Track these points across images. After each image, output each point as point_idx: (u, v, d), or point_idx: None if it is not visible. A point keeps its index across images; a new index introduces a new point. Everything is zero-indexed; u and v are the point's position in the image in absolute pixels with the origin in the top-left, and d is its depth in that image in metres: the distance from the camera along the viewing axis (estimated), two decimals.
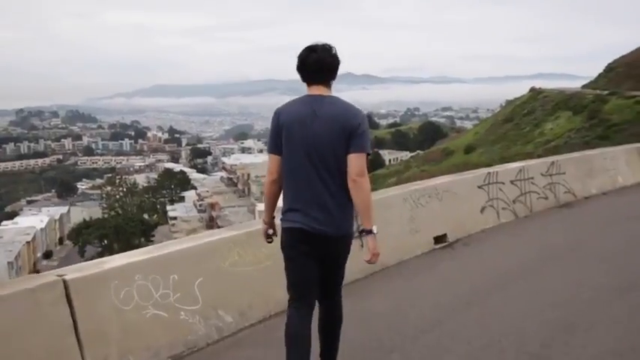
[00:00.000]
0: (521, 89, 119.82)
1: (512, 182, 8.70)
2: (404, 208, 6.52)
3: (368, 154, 3.70)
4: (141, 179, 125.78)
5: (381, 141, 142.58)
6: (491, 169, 8.68)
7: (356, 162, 3.61)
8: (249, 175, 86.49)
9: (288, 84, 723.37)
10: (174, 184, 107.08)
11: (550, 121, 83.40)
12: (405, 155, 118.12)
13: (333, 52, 3.81)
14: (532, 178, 9.04)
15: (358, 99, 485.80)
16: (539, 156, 69.80)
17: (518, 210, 8.76)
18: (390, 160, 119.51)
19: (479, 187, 8.04)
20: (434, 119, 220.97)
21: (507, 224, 8.53)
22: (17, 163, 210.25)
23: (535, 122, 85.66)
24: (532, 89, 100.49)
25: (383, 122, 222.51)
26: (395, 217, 6.33)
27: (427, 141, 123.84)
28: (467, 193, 7.85)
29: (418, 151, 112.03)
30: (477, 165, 73.08)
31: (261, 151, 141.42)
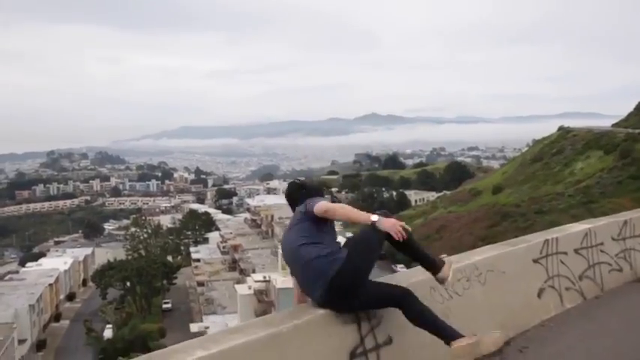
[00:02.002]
0: (547, 128, 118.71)
1: (576, 251, 6.57)
2: (433, 301, 4.38)
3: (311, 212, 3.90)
4: (166, 220, 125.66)
5: (406, 181, 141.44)
6: (548, 235, 5.93)
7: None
8: (272, 216, 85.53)
9: (312, 124, 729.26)
10: (199, 226, 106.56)
11: (580, 160, 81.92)
12: (432, 196, 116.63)
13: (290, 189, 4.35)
14: (601, 244, 6.87)
15: (383, 139, 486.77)
16: (570, 196, 67.48)
17: (585, 289, 6.67)
18: (416, 201, 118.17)
19: (534, 261, 6.02)
20: (460, 159, 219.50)
21: (574, 311, 6.31)
22: (46, 204, 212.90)
23: (565, 161, 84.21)
24: (561, 128, 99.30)
25: (409, 162, 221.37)
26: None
27: (454, 181, 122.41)
28: (519, 270, 5.81)
29: (445, 192, 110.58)
30: (505, 205, 70.82)
31: None
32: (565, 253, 6.25)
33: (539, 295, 5.84)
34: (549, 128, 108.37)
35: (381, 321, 4.00)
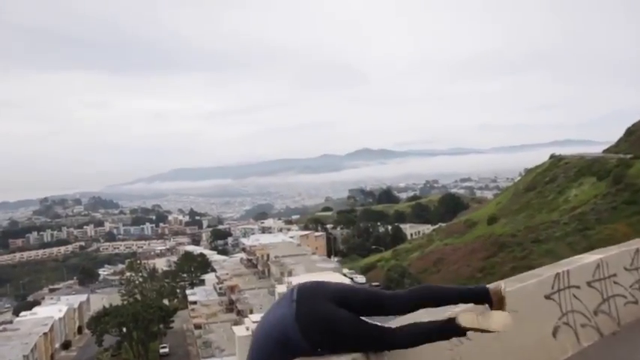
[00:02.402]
0: (539, 157, 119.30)
1: (589, 284, 6.01)
2: (439, 349, 3.83)
3: None
4: (161, 263, 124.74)
5: (401, 215, 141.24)
6: (559, 269, 5.15)
7: None
8: (268, 255, 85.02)
9: (304, 162, 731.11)
10: (195, 267, 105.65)
11: (574, 187, 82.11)
12: (427, 228, 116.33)
13: None
14: (614, 275, 5.79)
15: (376, 174, 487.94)
16: (565, 224, 67.28)
17: (602, 324, 6.07)
18: (411, 235, 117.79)
19: (547, 297, 5.46)
20: (454, 190, 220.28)
21: (592, 349, 5.70)
22: (40, 252, 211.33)
23: (558, 189, 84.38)
24: (552, 156, 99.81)
25: (402, 196, 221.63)
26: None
27: (448, 213, 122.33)
28: (531, 308, 5.24)
29: (440, 224, 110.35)
30: (501, 235, 70.68)
31: (281, 230, 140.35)
32: (578, 287, 5.79)
33: (554, 334, 5.41)
34: (541, 157, 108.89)
35: None
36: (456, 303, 3.65)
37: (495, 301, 3.53)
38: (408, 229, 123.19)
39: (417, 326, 3.47)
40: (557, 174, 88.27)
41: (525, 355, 4.88)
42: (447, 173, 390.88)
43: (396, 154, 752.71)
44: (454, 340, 3.90)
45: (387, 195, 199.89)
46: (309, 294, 3.20)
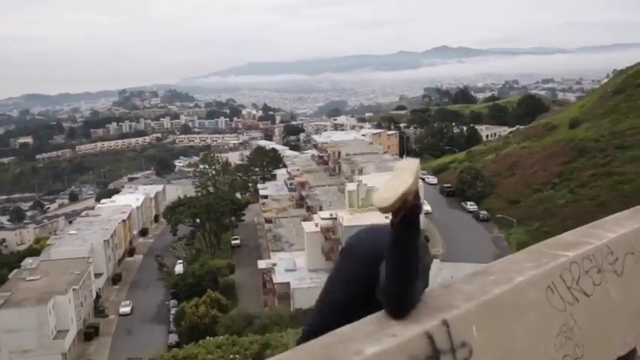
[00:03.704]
0: (632, 58, 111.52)
1: None
2: (548, 311, 2.64)
3: None
4: (234, 157, 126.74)
5: (477, 116, 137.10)
6: None
7: None
8: (339, 153, 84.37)
9: (380, 59, 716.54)
10: (266, 162, 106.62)
11: None
12: (504, 130, 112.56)
13: None
14: None
15: (453, 73, 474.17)
16: None
17: None
18: (487, 136, 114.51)
19: None
20: (534, 92, 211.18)
21: None
22: (120, 142, 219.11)
23: None
24: None
25: (480, 96, 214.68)
26: (530, 332, 2.55)
27: (527, 115, 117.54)
28: None
29: (518, 126, 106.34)
30: (582, 140, 67.35)
31: (353, 127, 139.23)
32: None
33: None
34: (634, 58, 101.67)
35: None
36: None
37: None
38: (484, 130, 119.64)
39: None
40: None
41: None
42: (528, 73, 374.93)
43: (476, 53, 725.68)
44: (567, 296, 2.70)
45: (463, 95, 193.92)
46: None
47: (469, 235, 59.71)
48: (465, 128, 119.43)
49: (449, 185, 75.87)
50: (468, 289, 2.41)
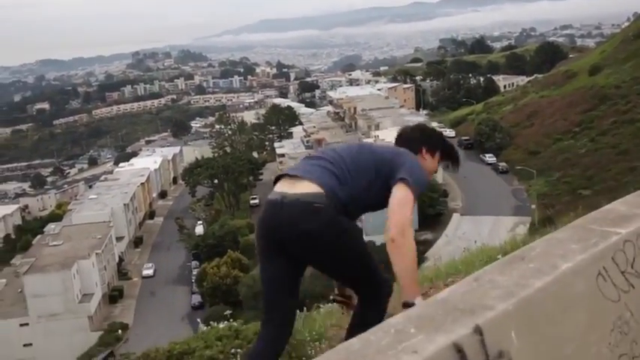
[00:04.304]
0: None
1: None
2: (600, 304, 2.15)
3: None
4: (250, 116, 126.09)
5: (494, 66, 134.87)
6: None
7: None
8: (355, 108, 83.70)
9: (393, 10, 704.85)
10: (282, 120, 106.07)
11: None
12: (522, 80, 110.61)
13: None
14: None
15: (469, 23, 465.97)
16: None
17: None
18: (505, 86, 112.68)
19: None
20: (552, 39, 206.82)
21: None
22: (135, 105, 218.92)
23: None
24: None
25: (496, 45, 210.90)
26: (580, 331, 2.07)
27: (546, 63, 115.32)
28: None
29: (536, 75, 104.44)
30: (604, 87, 65.87)
31: (368, 82, 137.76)
32: None
33: None
34: None
35: None
36: None
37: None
38: (502, 80, 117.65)
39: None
40: None
41: None
42: (545, 20, 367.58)
43: (492, 1, 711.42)
44: (620, 281, 2.27)
45: (479, 44, 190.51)
46: None
47: (488, 188, 59.18)
48: (482, 79, 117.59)
49: (467, 138, 74.96)
50: (503, 281, 1.95)
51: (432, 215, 51.35)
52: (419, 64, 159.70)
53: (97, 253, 54.25)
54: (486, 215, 51.86)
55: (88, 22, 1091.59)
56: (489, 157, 68.01)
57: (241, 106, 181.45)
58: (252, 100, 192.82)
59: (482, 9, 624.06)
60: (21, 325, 49.38)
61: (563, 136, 66.57)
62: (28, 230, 77.77)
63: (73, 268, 50.37)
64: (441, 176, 57.56)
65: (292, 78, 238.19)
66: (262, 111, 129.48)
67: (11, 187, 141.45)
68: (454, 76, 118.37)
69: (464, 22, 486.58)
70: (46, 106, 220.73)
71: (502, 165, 65.42)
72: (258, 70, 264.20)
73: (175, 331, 45.54)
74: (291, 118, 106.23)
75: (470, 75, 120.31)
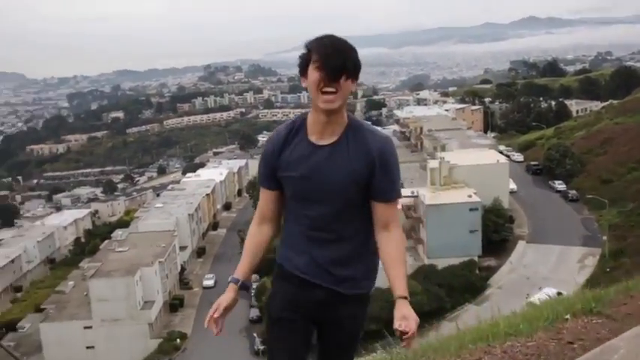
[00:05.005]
0: None
1: None
2: None
3: None
4: None
5: (567, 90, 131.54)
6: None
7: None
8: (422, 128, 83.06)
9: (464, 31, 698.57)
10: None
11: None
12: (596, 105, 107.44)
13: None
14: None
15: (541, 45, 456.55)
16: None
17: None
18: (577, 111, 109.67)
19: None
20: (629, 63, 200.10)
21: None
22: (205, 117, 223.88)
23: None
24: None
25: (570, 69, 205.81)
26: None
27: (621, 89, 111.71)
28: None
29: (611, 101, 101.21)
30: None
31: (436, 102, 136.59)
32: None
33: None
34: None
35: None
36: None
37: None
38: (574, 105, 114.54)
39: None
40: None
41: None
42: (622, 44, 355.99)
43: (566, 23, 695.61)
44: None
45: (552, 67, 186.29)
46: None
47: (557, 216, 57.49)
48: (553, 103, 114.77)
49: (536, 163, 73.19)
50: None
51: (496, 241, 50.27)
52: (488, 86, 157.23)
53: (160, 262, 55.34)
54: (553, 244, 50.39)
55: (163, 35, 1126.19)
56: (559, 184, 66.13)
57: None
58: None
59: (556, 31, 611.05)
60: (85, 327, 50.82)
61: (638, 165, 64.12)
62: (97, 235, 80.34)
63: (136, 274, 51.55)
64: (507, 201, 56.36)
65: (360, 95, 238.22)
66: None
67: (84, 191, 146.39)
68: (524, 99, 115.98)
69: (536, 44, 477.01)
70: (120, 114, 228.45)
71: (572, 193, 63.48)
72: None
73: (232, 344, 45.98)
74: None
75: (541, 98, 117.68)
